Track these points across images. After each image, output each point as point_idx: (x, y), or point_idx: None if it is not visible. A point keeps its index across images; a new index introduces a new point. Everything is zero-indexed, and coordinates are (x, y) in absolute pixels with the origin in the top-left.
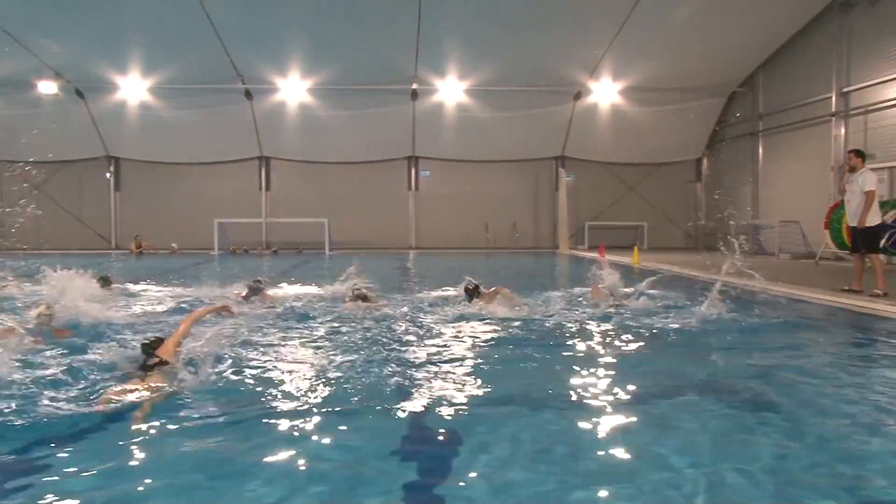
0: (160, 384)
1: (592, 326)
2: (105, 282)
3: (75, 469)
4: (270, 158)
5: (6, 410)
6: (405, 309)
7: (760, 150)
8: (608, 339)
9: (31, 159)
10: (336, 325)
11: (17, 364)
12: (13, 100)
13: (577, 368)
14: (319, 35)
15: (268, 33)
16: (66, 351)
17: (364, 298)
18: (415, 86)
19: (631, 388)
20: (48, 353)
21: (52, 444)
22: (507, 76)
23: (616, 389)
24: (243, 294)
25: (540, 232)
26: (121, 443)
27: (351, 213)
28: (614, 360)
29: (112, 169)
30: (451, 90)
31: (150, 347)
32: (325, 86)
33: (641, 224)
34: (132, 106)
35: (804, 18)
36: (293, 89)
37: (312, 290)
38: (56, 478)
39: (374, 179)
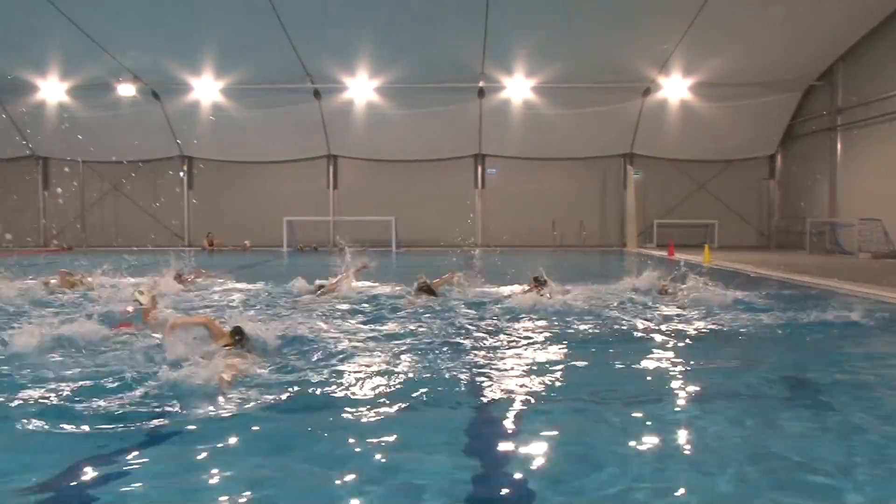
0: (241, 365)
1: (666, 323)
2: (180, 277)
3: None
4: (338, 157)
5: (97, 391)
6: (475, 303)
7: (839, 146)
8: (688, 337)
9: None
10: (408, 318)
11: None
12: (94, 102)
13: (659, 366)
14: (387, 34)
15: (337, 33)
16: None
17: (429, 291)
18: (482, 83)
19: (733, 388)
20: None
21: (134, 427)
22: (574, 73)
23: (715, 389)
24: (314, 287)
25: (607, 230)
26: (198, 436)
27: (417, 210)
28: (698, 360)
29: (185, 168)
30: (518, 87)
31: (239, 333)
32: (393, 84)
33: (712, 222)
34: (205, 106)
35: (889, 7)
36: (361, 88)
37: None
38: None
39: (440, 177)
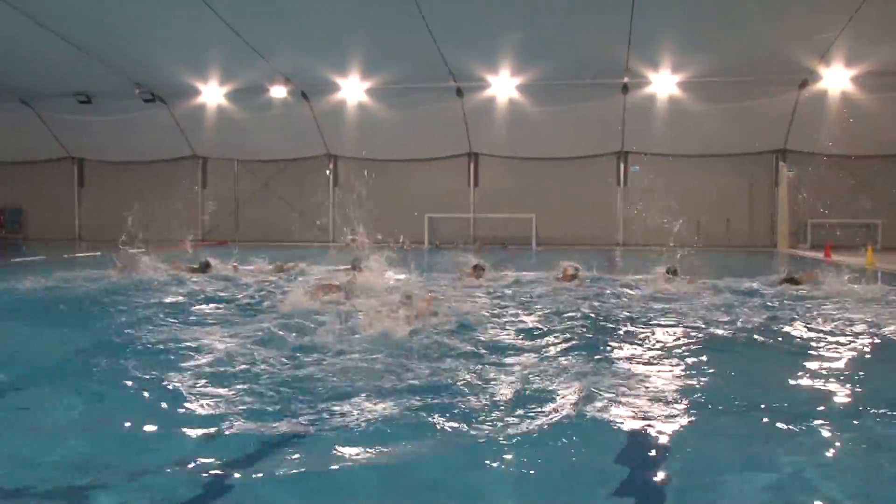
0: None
1: (807, 320)
2: (356, 262)
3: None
4: (479, 154)
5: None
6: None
7: None
8: (831, 338)
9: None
10: (545, 306)
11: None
12: (249, 104)
13: (800, 370)
14: (530, 31)
15: (479, 31)
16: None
17: (573, 277)
18: (626, 79)
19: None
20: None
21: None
22: (724, 66)
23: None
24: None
25: (755, 229)
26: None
27: (557, 208)
28: (846, 364)
29: (331, 166)
30: (663, 83)
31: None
32: (536, 82)
33: (875, 222)
34: (350, 106)
35: None
36: (503, 86)
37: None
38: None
39: (581, 175)
